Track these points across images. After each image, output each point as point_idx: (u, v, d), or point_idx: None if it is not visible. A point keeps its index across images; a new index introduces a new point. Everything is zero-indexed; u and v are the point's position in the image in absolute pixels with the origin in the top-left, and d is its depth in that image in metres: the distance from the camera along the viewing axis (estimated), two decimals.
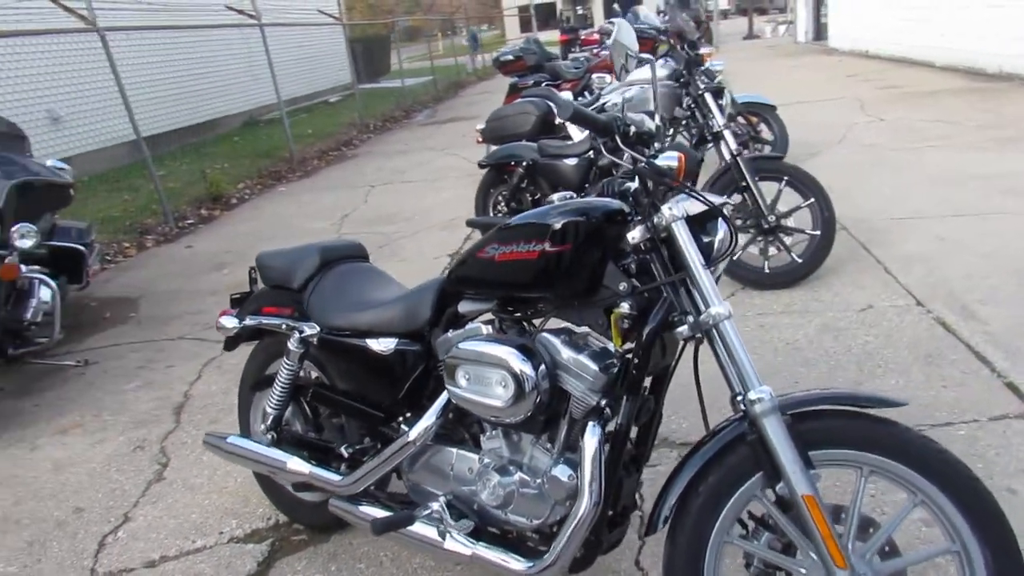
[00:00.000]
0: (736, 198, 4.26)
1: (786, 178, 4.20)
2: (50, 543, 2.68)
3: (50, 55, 8.88)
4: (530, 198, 5.04)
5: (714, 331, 1.66)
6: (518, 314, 1.94)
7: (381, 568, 2.35)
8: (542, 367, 1.81)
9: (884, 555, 1.68)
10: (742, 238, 4.30)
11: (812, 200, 4.13)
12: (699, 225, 1.74)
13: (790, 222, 4.25)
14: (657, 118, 1.92)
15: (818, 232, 4.16)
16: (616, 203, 1.78)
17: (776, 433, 1.59)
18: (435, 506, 2.00)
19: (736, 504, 1.66)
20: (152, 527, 2.71)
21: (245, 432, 2.62)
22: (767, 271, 4.20)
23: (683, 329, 1.70)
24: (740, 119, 5.69)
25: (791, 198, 4.21)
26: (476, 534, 1.99)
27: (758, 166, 4.21)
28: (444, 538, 1.97)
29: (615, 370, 1.77)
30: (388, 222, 6.56)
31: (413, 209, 6.90)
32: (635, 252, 1.75)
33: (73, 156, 8.39)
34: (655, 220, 1.69)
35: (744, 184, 4.16)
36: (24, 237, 3.71)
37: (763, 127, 6.10)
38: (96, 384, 4.02)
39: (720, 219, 1.75)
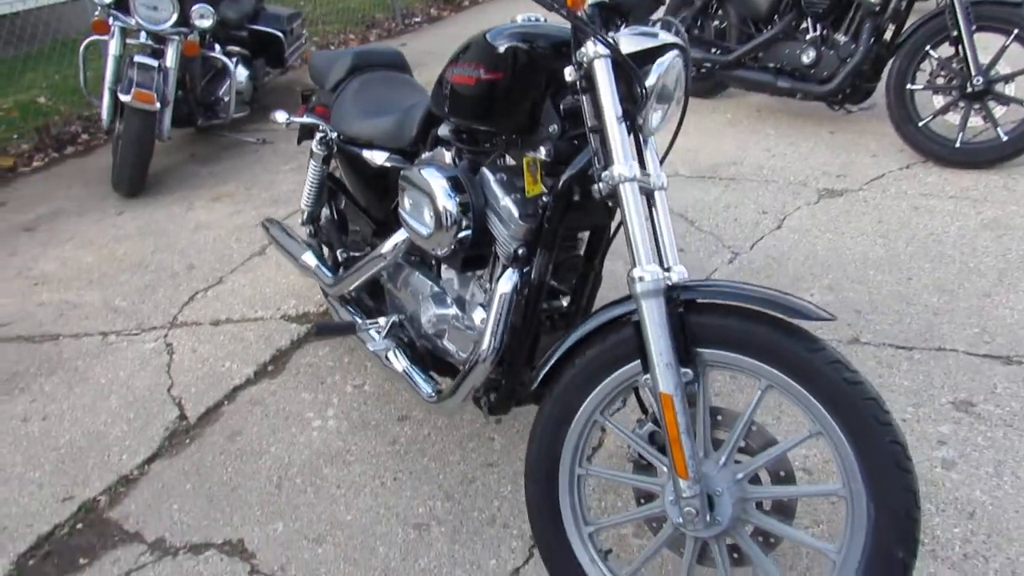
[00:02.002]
0: (942, 51, 3.50)
1: (1016, 31, 3.34)
2: (158, 289, 3.15)
3: None
4: (716, 24, 4.51)
5: (619, 194, 1.45)
6: (474, 146, 1.82)
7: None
8: (466, 204, 1.71)
9: (774, 480, 1.47)
10: (939, 100, 3.58)
11: None
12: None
13: (1008, 89, 3.43)
14: None
15: None
16: (568, 31, 1.55)
17: (652, 319, 1.39)
18: (382, 321, 2.04)
19: (610, 385, 1.50)
20: (233, 292, 3.07)
21: None
22: (958, 145, 3.47)
23: (599, 186, 1.50)
24: None
25: (1018, 59, 3.37)
26: (416, 356, 2.03)
27: (982, 12, 3.38)
28: (388, 353, 2.04)
29: (537, 221, 1.64)
30: None
31: None
32: (572, 92, 1.55)
33: None
34: (579, 55, 1.47)
35: (956, 34, 3.39)
36: (202, 17, 4.06)
37: None
38: (261, 161, 4.46)
39: (666, 60, 1.46)
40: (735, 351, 1.40)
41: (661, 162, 1.63)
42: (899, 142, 3.67)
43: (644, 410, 1.62)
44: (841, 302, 2.63)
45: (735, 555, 1.49)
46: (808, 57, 3.85)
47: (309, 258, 2.40)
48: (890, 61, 3.65)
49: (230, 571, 1.83)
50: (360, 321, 2.10)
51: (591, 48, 1.44)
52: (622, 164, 1.43)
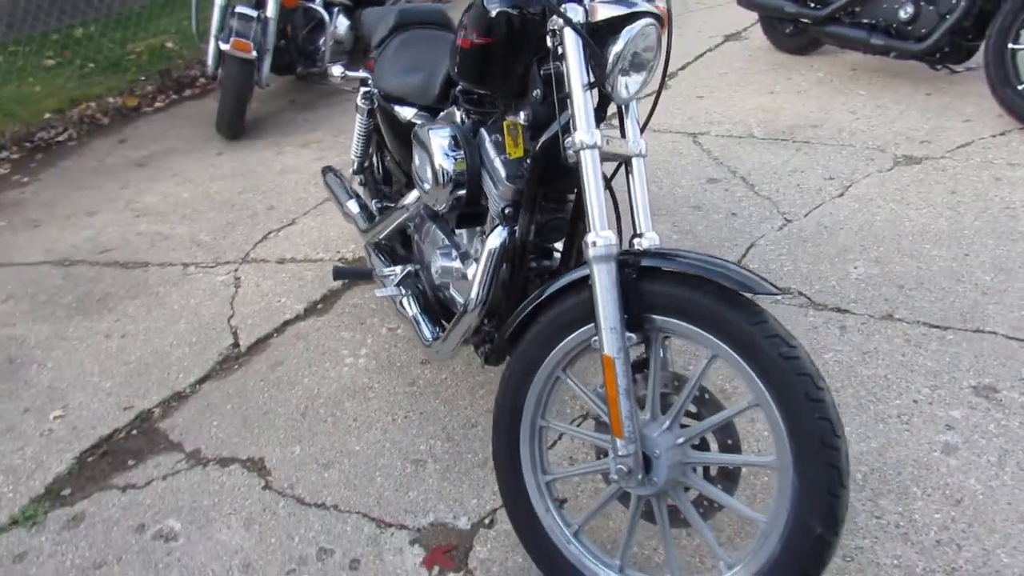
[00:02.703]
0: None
1: None
2: (238, 226, 3.42)
3: None
4: None
5: (578, 160, 1.49)
6: (479, 108, 1.89)
7: None
8: (463, 163, 1.80)
9: (722, 448, 1.51)
10: None
11: None
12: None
13: None
14: None
15: None
16: None
17: (601, 283, 1.44)
18: (397, 270, 2.17)
19: (570, 344, 1.56)
20: (301, 234, 3.30)
21: None
22: None
23: (568, 152, 1.55)
24: None
25: None
26: (427, 305, 2.15)
27: None
28: (403, 299, 2.17)
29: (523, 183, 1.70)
30: None
31: None
32: (553, 58, 1.59)
33: None
34: (551, 23, 1.50)
35: None
36: None
37: None
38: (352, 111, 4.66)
39: (635, 28, 1.47)
40: (683, 319, 1.43)
41: (642, 130, 1.65)
42: (998, 107, 3.41)
43: None
44: (884, 276, 2.54)
45: (681, 517, 1.54)
46: (906, 13, 3.61)
47: (352, 205, 2.56)
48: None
49: (247, 484, 2.05)
50: (378, 268, 2.23)
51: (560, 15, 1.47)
52: (583, 131, 1.47)
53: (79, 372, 2.57)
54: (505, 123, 1.68)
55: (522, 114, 1.64)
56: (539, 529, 1.62)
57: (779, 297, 1.47)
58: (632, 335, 1.45)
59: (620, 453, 1.45)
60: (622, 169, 1.69)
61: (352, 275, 2.24)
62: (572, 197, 1.83)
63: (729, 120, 3.84)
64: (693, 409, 1.53)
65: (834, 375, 2.16)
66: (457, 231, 2.02)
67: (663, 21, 1.54)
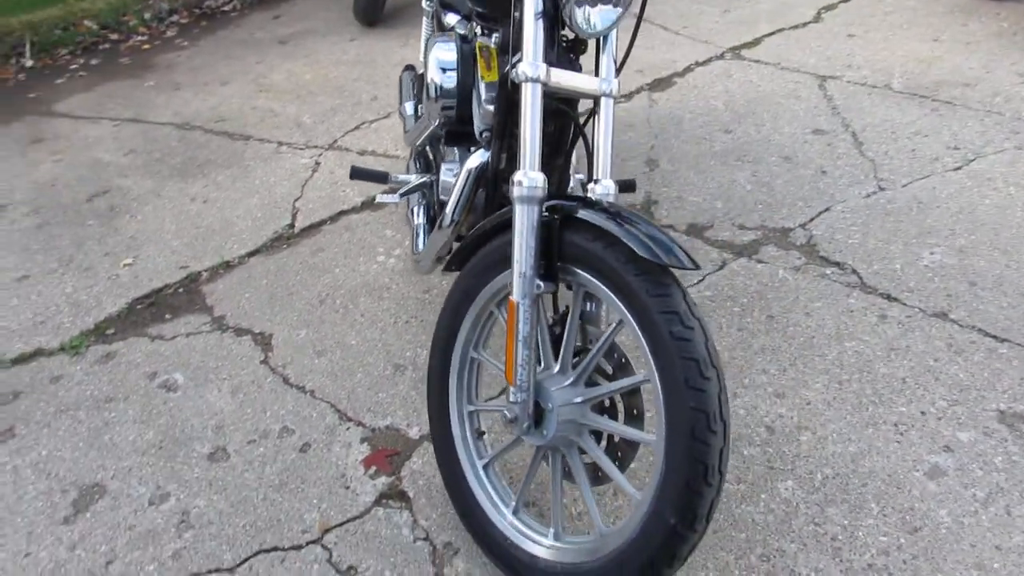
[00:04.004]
0: None
1: None
2: (339, 113, 3.55)
3: None
4: None
5: (520, 92, 1.41)
6: (484, 23, 1.81)
7: None
8: (455, 80, 1.76)
9: (627, 418, 1.44)
10: None
11: None
12: None
13: None
14: None
15: None
16: None
17: (518, 225, 1.39)
18: (412, 179, 2.19)
19: (499, 284, 1.53)
20: (390, 128, 3.37)
21: None
22: None
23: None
24: None
25: None
26: (431, 218, 2.17)
27: None
28: (413, 207, 2.20)
29: None
30: None
31: None
32: None
33: None
34: None
35: None
36: None
37: None
38: None
39: None
40: (595, 276, 1.37)
41: (618, 71, 1.52)
42: None
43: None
44: (960, 269, 2.23)
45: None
46: None
47: (407, 107, 2.57)
48: None
49: (248, 356, 2.22)
50: (394, 175, 2.25)
51: None
52: (527, 62, 1.39)
53: (158, 228, 2.84)
54: (478, 44, 1.61)
55: (495, 36, 1.57)
56: (453, 454, 1.65)
57: (694, 269, 1.33)
58: (543, 283, 1.40)
59: (510, 399, 1.43)
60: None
61: (369, 176, 2.27)
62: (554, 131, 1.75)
63: (870, 66, 3.43)
64: (609, 371, 1.47)
65: (846, 366, 1.96)
66: (455, 148, 2.00)
67: None
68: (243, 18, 4.93)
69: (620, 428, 1.41)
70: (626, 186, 2.06)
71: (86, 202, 3.04)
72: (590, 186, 1.52)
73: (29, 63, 4.53)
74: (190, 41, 4.66)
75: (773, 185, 2.69)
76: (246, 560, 1.66)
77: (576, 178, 2.06)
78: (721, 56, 3.67)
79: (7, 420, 2.07)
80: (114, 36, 4.79)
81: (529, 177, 1.38)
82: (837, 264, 2.29)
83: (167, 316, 2.41)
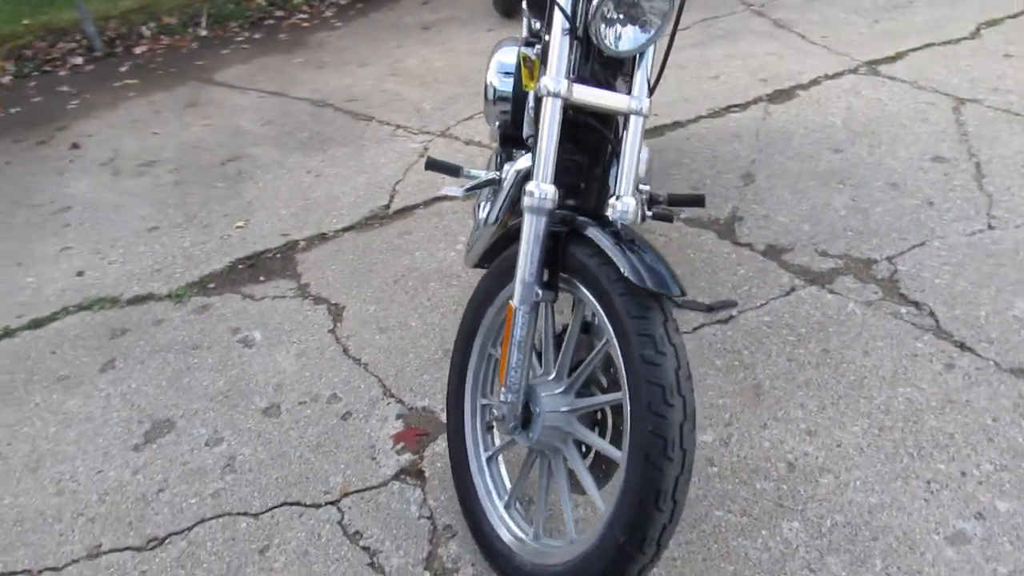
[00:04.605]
0: None
1: None
2: (458, 102, 3.68)
3: None
4: None
5: (541, 106, 1.46)
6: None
7: None
8: (512, 84, 1.82)
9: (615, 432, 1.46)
10: None
11: None
12: None
13: None
14: None
15: None
16: None
17: (526, 234, 1.44)
18: (483, 174, 2.25)
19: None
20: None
21: None
22: None
23: None
24: None
25: None
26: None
27: None
28: (481, 201, 2.28)
29: None
30: None
31: None
32: None
33: None
34: None
35: None
36: None
37: None
38: None
39: None
40: (590, 291, 1.40)
41: (651, 91, 1.52)
42: None
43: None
44: None
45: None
46: None
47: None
48: None
49: (320, 324, 2.39)
50: (466, 168, 2.33)
51: None
52: (550, 75, 1.43)
53: (273, 196, 3.09)
54: (521, 54, 1.66)
55: (536, 47, 1.61)
56: (461, 443, 1.73)
57: (680, 298, 1.32)
58: (541, 291, 1.44)
59: (500, 399, 1.49)
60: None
61: (443, 168, 2.36)
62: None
63: (1020, 91, 3.13)
64: (605, 385, 1.49)
65: (892, 413, 1.86)
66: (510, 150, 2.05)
67: None
68: (397, 3, 5.18)
69: (597, 442, 1.43)
70: (692, 200, 2.05)
71: (220, 165, 3.36)
72: (611, 201, 1.53)
73: (203, 33, 5.00)
74: (344, 22, 4.96)
75: (870, 212, 2.55)
76: (271, 509, 1.82)
77: (644, 188, 2.06)
78: (855, 70, 3.48)
79: (112, 352, 2.36)
80: (279, 13, 5.19)
81: (541, 188, 1.42)
82: (915, 304, 2.16)
83: (261, 278, 2.64)
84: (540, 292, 1.44)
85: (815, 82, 3.42)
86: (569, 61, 1.50)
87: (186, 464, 1.97)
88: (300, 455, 1.96)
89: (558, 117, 1.44)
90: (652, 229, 2.55)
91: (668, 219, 2.07)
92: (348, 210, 2.95)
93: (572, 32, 1.43)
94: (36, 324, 2.51)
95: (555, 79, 1.43)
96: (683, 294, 1.30)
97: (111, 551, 1.76)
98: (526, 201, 1.43)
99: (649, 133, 3.19)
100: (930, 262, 2.31)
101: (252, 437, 2.02)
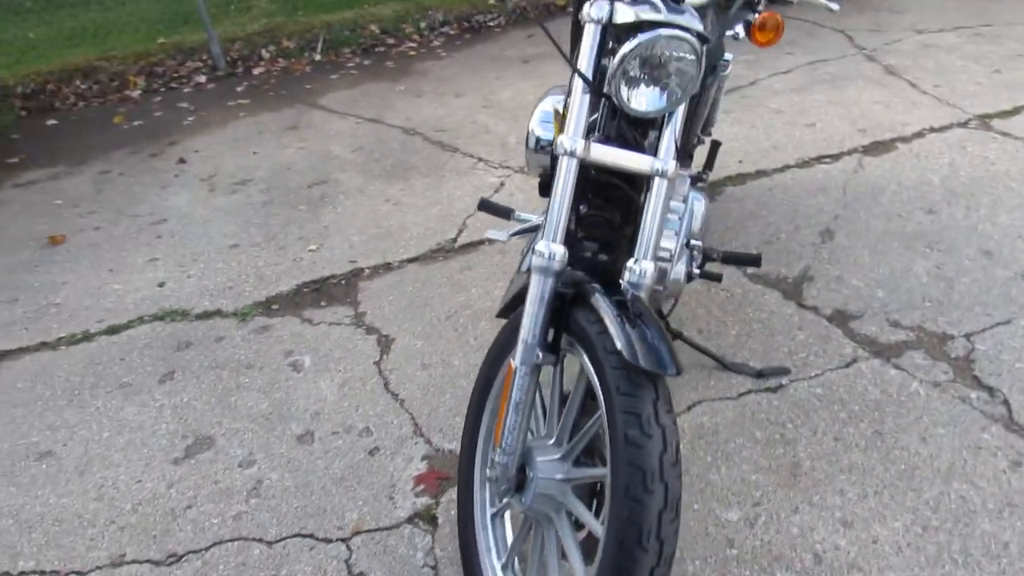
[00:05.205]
0: None
1: None
2: None
3: None
4: None
5: (558, 163, 1.42)
6: None
7: None
8: (551, 136, 1.80)
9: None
10: None
11: None
12: None
13: None
14: None
15: None
16: None
17: (531, 294, 1.41)
18: (533, 218, 2.24)
19: None
20: None
21: None
22: None
23: None
24: None
25: None
26: None
27: None
28: (523, 252, 2.26)
29: None
30: None
31: None
32: None
33: None
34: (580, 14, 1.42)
35: None
36: None
37: None
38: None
39: (645, 37, 1.31)
40: (588, 358, 1.35)
41: (679, 152, 1.45)
42: None
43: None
44: None
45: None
46: None
47: None
48: None
49: (368, 355, 2.43)
50: (517, 211, 2.31)
51: (586, 9, 1.38)
52: (567, 134, 1.40)
53: (349, 222, 3.18)
54: (553, 107, 1.63)
55: (564, 100, 1.58)
56: (469, 496, 1.70)
57: (677, 376, 1.24)
58: (542, 353, 1.40)
59: (494, 459, 1.45)
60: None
61: (495, 210, 2.35)
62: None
63: None
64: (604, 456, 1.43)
65: (942, 511, 1.69)
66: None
67: (704, 40, 1.33)
68: (503, 35, 5.26)
69: (586, 516, 1.37)
70: (748, 260, 1.96)
71: (306, 188, 3.49)
72: (629, 264, 1.48)
73: (318, 57, 5.24)
74: (449, 52, 5.08)
75: (955, 282, 2.35)
76: (284, 539, 1.85)
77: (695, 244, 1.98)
78: (964, 124, 3.24)
79: (174, 364, 2.48)
80: (390, 40, 5.37)
81: (549, 249, 1.39)
82: (988, 389, 1.96)
83: (322, 303, 2.71)
84: (541, 355, 1.40)
85: (918, 135, 3.20)
86: (599, 117, 1.47)
87: (217, 483, 2.03)
88: (323, 486, 1.98)
89: (572, 176, 1.40)
90: (715, 287, 2.45)
91: (717, 279, 1.98)
92: (416, 241, 2.99)
93: (591, 91, 1.39)
94: (112, 330, 2.67)
95: (572, 138, 1.39)
96: (679, 374, 1.23)
97: (132, 562, 1.83)
98: (533, 261, 1.40)
99: (731, 181, 3.08)
100: (1012, 343, 2.10)
101: (282, 463, 2.07)
